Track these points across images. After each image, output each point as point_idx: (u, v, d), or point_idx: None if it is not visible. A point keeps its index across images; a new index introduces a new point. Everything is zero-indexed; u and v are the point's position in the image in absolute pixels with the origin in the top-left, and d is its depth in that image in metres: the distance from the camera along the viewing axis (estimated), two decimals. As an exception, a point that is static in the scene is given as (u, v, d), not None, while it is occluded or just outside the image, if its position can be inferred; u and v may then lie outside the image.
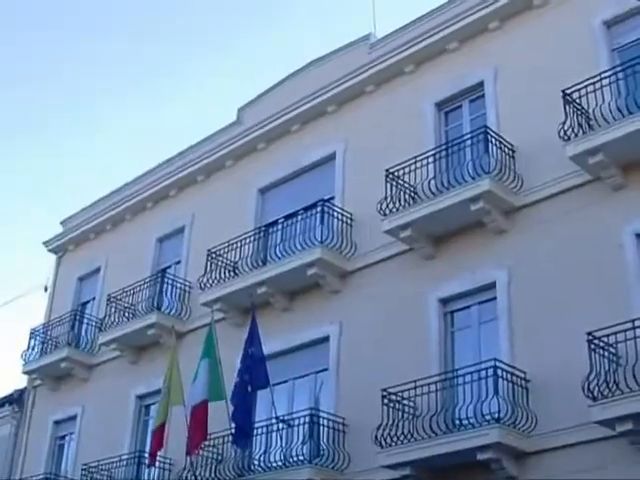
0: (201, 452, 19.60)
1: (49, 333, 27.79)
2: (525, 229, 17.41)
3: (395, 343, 18.52)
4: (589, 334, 14.71)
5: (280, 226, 21.79)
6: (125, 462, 22.76)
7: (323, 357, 19.86)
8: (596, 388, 14.44)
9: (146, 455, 22.42)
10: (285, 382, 20.39)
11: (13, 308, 62.15)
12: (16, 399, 29.42)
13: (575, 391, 14.84)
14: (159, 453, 20.68)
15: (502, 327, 16.98)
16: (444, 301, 18.19)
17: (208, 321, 20.57)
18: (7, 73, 61.87)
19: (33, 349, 28.05)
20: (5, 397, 30.00)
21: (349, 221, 20.38)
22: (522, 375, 16.02)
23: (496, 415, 15.58)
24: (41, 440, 27.56)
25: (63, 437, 27.36)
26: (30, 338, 28.30)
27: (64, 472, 26.25)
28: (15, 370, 31.40)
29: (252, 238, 22.09)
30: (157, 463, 21.40)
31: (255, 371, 18.45)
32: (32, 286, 36.46)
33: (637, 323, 14.47)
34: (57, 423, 27.50)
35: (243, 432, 18.38)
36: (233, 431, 18.73)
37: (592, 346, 14.69)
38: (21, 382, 29.78)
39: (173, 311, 23.90)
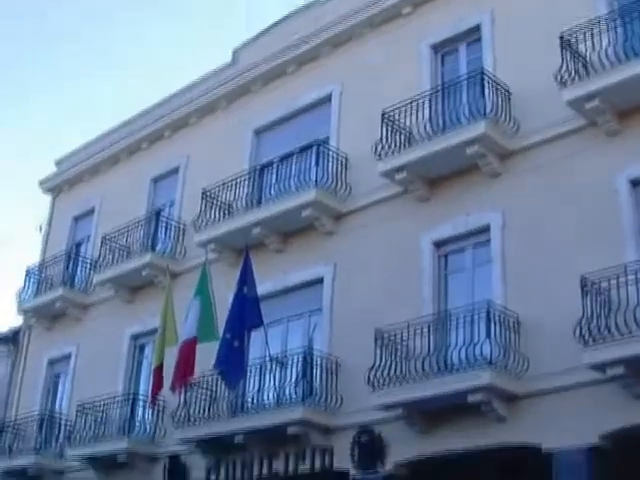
0: (190, 390, 19.87)
1: (44, 273, 27.87)
2: (520, 173, 17.38)
3: (389, 285, 18.58)
4: (582, 278, 14.76)
5: (275, 167, 21.78)
6: (120, 400, 22.94)
7: (317, 298, 19.93)
8: (588, 332, 14.48)
9: (140, 394, 22.60)
10: (279, 323, 20.49)
11: (9, 248, 62.07)
12: (11, 338, 29.56)
13: (567, 335, 14.87)
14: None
15: (495, 270, 17.02)
16: (438, 244, 18.21)
17: (203, 261, 20.63)
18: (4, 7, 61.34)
19: (28, 289, 28.15)
20: (0, 336, 30.14)
21: (344, 162, 20.36)
22: (515, 318, 16.08)
23: (488, 357, 15.67)
24: (36, 378, 27.71)
25: (58, 376, 27.52)
26: (25, 278, 28.39)
27: (59, 410, 26.46)
28: (10, 309, 31.52)
29: (247, 179, 22.07)
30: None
31: (249, 311, 18.53)
32: (27, 226, 36.55)
33: (630, 267, 14.52)
34: (52, 362, 27.65)
35: (233, 375, 18.48)
36: (220, 373, 18.90)
37: (585, 290, 14.73)
38: (16, 321, 29.98)
39: (167, 251, 23.96)
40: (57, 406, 26.88)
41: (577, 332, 14.59)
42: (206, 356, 19.23)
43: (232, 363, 18.35)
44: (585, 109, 16.14)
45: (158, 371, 20.10)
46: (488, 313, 15.87)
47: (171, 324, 20.08)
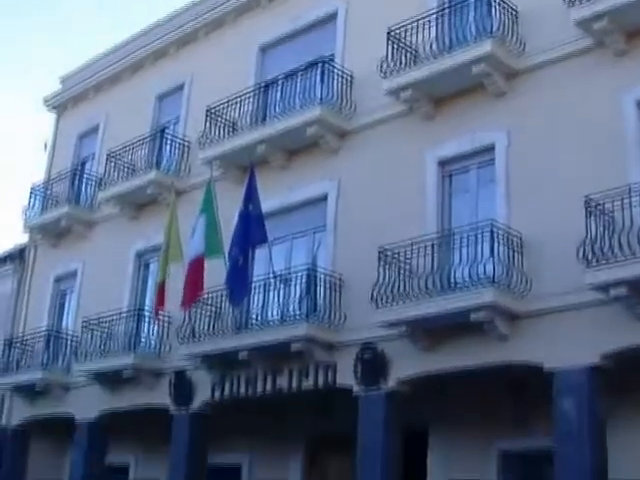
0: (195, 306, 19.96)
1: (49, 191, 27.91)
2: (526, 92, 17.25)
3: (393, 203, 18.56)
4: (586, 198, 14.73)
5: (280, 84, 21.62)
6: (125, 317, 23.15)
7: (321, 216, 19.98)
8: (591, 252, 14.46)
9: (145, 310, 22.75)
10: (283, 240, 20.59)
11: (15, 168, 62.14)
12: (17, 255, 29.75)
13: (570, 255, 14.84)
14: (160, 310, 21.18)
15: (500, 190, 16.97)
16: (443, 162, 18.14)
17: (207, 178, 20.67)
18: None
19: (33, 207, 28.23)
20: (6, 254, 30.31)
21: (349, 80, 20.20)
22: (518, 237, 16.09)
23: (491, 276, 15.68)
24: (42, 295, 27.99)
25: (64, 292, 27.75)
26: (30, 195, 28.45)
27: (65, 326, 26.71)
28: (16, 227, 31.49)
29: (251, 96, 21.95)
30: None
31: (254, 228, 18.59)
32: (31, 145, 36.45)
33: (634, 189, 14.47)
34: (58, 279, 27.88)
35: (237, 292, 18.62)
36: (227, 291, 18.99)
37: (589, 210, 14.70)
38: (22, 239, 30.11)
39: (172, 168, 23.93)
40: (64, 323, 27.14)
41: (580, 253, 14.57)
42: (210, 273, 19.38)
43: (236, 280, 18.48)
44: (593, 29, 15.96)
45: (161, 287, 20.31)
46: (492, 232, 15.86)
47: (175, 241, 20.19)
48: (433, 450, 18.30)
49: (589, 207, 14.70)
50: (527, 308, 15.74)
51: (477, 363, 16.29)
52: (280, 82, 21.66)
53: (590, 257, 14.47)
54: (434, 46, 18.28)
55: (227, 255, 18.88)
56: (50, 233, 27.89)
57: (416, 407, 17.58)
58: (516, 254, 16.04)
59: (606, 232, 14.57)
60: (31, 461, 27.05)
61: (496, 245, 15.85)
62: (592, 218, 14.68)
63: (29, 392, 26.02)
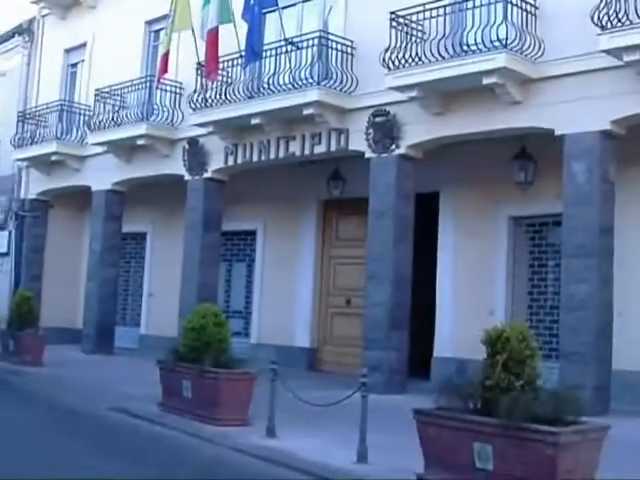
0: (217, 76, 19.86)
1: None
2: None
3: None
4: None
5: None
6: (136, 86, 23.09)
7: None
8: (606, 17, 14.08)
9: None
10: (294, 5, 20.27)
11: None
12: (26, 29, 29.39)
13: (585, 20, 14.44)
14: (169, 77, 21.19)
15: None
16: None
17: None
18: None
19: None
20: (14, 28, 29.95)
21: None
22: (532, 0, 15.75)
23: (504, 40, 15.45)
24: (54, 68, 27.96)
25: (75, 64, 27.66)
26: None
27: (78, 98, 26.73)
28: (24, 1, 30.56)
29: None
30: (168, 87, 21.92)
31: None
32: None
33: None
34: (68, 51, 27.75)
35: (253, 51, 18.54)
36: (243, 52, 18.94)
37: None
38: (29, 12, 29.67)
39: None
40: (76, 95, 27.12)
41: (595, 17, 14.19)
42: (221, 41, 19.30)
43: (248, 42, 18.42)
44: None
45: (165, 55, 20.32)
46: (505, 2, 15.52)
47: (184, 8, 19.98)
48: (443, 213, 18.68)
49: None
50: (539, 73, 15.58)
51: (489, 129, 16.35)
52: None
53: (605, 22, 14.13)
54: None
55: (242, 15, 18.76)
56: (58, 5, 27.59)
57: (427, 171, 17.81)
58: (530, 18, 15.71)
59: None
60: (51, 231, 27.71)
61: (510, 8, 15.49)
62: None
63: (45, 164, 26.40)
